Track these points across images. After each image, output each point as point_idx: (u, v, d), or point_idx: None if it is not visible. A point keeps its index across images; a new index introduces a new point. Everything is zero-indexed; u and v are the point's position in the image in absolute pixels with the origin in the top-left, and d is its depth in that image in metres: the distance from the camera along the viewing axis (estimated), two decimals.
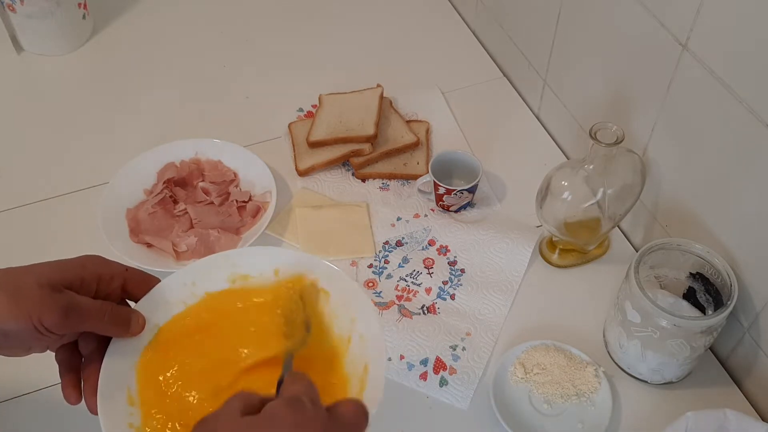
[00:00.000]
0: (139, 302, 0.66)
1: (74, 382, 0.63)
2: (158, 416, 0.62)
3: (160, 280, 0.67)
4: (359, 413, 0.53)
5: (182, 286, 0.67)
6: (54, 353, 0.64)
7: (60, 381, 0.63)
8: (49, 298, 0.57)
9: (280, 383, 0.55)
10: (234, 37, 1.34)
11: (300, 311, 0.65)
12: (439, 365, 0.89)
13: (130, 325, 0.63)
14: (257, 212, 1.03)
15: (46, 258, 0.95)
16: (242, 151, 1.08)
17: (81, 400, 0.63)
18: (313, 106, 1.21)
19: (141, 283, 0.66)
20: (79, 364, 0.64)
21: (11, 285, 0.57)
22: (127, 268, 0.65)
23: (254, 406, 0.50)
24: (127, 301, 0.66)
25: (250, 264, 0.68)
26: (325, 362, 0.64)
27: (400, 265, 0.99)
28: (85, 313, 0.59)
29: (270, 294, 0.67)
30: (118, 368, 0.63)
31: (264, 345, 0.63)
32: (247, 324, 0.65)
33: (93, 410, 0.61)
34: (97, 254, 0.64)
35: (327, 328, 0.66)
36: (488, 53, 1.31)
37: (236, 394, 0.51)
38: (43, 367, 0.87)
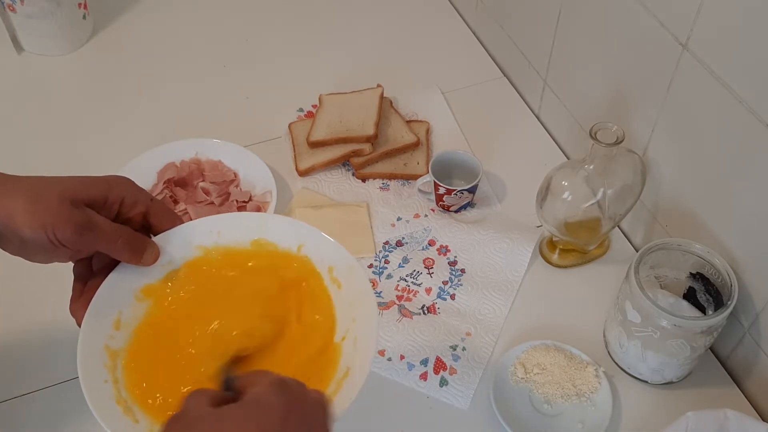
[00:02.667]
0: (159, 235, 0.65)
1: (80, 295, 0.63)
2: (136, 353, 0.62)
3: (183, 220, 0.66)
4: (322, 398, 0.54)
5: (207, 233, 0.66)
6: (72, 266, 0.64)
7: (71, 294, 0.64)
8: (67, 213, 0.57)
9: (226, 380, 0.54)
10: (234, 37, 1.34)
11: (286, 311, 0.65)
12: (440, 365, 0.89)
13: (144, 254, 0.63)
14: (257, 212, 1.03)
15: None
16: (242, 151, 1.08)
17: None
18: (314, 106, 1.21)
19: (164, 217, 0.65)
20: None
21: (34, 194, 0.57)
22: (152, 199, 0.64)
23: (220, 399, 0.50)
24: (150, 234, 0.65)
25: (279, 233, 0.67)
26: (315, 347, 0.64)
27: (400, 265, 0.99)
28: (100, 233, 0.59)
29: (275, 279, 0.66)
30: (119, 290, 0.62)
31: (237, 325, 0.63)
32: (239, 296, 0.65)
33: (79, 322, 0.61)
34: (125, 176, 0.64)
35: (328, 315, 0.65)
36: (488, 53, 1.31)
37: (194, 391, 0.51)
38: (42, 368, 0.88)
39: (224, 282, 0.66)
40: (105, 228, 0.60)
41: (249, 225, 0.68)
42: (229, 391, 0.53)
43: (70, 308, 0.63)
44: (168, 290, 0.65)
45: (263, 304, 0.65)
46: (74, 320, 0.63)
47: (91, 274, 0.64)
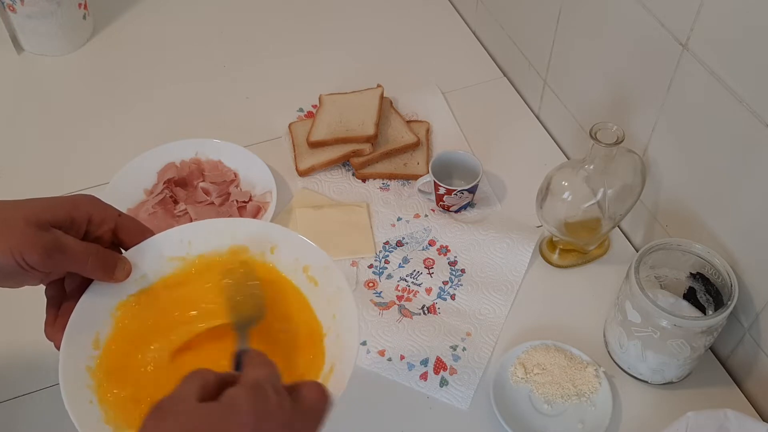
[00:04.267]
0: (129, 250, 0.64)
1: (55, 319, 0.62)
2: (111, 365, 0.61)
3: (154, 233, 0.65)
4: (321, 397, 0.51)
5: (178, 244, 0.66)
6: (44, 288, 0.62)
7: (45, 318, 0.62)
8: (34, 236, 0.56)
9: (237, 357, 0.53)
10: (234, 37, 1.34)
11: (251, 290, 0.63)
12: (440, 365, 0.89)
13: (115, 271, 0.62)
14: (257, 212, 1.03)
15: None
16: (242, 151, 1.09)
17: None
18: (314, 106, 1.21)
19: (133, 232, 0.64)
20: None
21: None
22: (120, 214, 0.63)
23: (211, 387, 0.49)
24: (121, 249, 0.64)
25: (249, 236, 0.66)
26: (297, 346, 0.63)
27: (400, 266, 0.99)
28: (69, 253, 0.58)
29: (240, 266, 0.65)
30: (94, 310, 0.61)
31: (211, 312, 0.62)
32: (206, 288, 0.64)
33: (58, 345, 0.60)
34: (91, 195, 0.62)
35: (307, 314, 0.65)
36: (488, 53, 1.31)
37: (192, 372, 0.50)
38: (42, 368, 0.88)
39: (197, 292, 0.65)
40: (74, 248, 0.58)
41: (218, 231, 0.66)
42: (238, 369, 0.52)
43: (46, 332, 0.62)
44: (140, 305, 0.64)
45: (235, 288, 0.63)
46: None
47: (64, 295, 0.62)
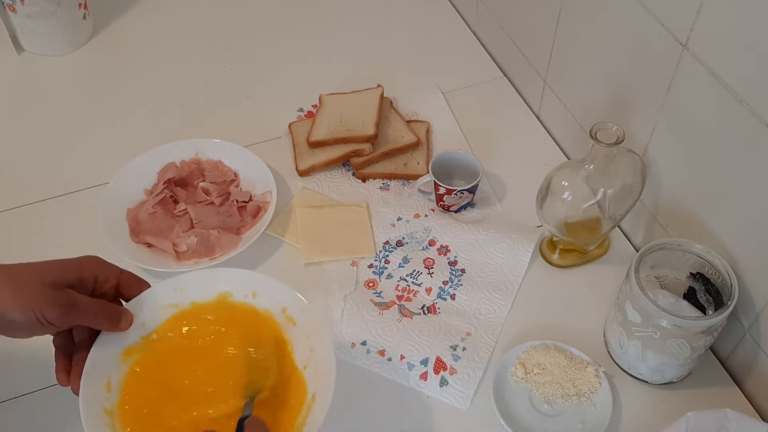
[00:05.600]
0: (130, 302, 0.74)
1: (66, 367, 0.71)
2: (128, 407, 0.71)
3: (150, 285, 0.75)
4: None
5: (171, 293, 0.75)
6: (52, 338, 0.71)
7: (55, 365, 0.71)
8: (51, 295, 0.65)
9: (240, 421, 0.65)
10: (234, 36, 1.35)
11: (269, 359, 0.74)
12: (440, 365, 0.89)
13: (120, 321, 0.71)
14: (258, 212, 1.03)
15: (46, 258, 0.96)
16: (243, 151, 1.09)
17: (69, 382, 0.71)
18: (314, 106, 1.21)
19: (133, 285, 0.74)
20: (72, 350, 0.71)
21: (18, 280, 0.64)
22: (121, 271, 0.73)
23: None
24: (121, 300, 0.74)
25: (232, 284, 0.77)
26: (287, 379, 0.74)
27: (400, 265, 0.99)
28: (83, 310, 0.67)
29: (244, 325, 0.76)
30: (103, 358, 0.71)
31: (226, 395, 0.72)
32: (219, 359, 0.75)
33: (76, 392, 0.69)
34: (95, 255, 0.71)
35: (288, 352, 0.76)
36: (488, 53, 1.31)
37: None
38: (41, 368, 0.87)
39: (192, 342, 0.75)
40: (85, 304, 0.68)
41: (205, 280, 0.77)
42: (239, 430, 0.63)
43: (58, 378, 0.71)
44: (145, 349, 0.74)
45: (233, 370, 0.74)
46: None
47: (72, 344, 0.71)
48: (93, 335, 0.72)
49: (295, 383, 0.73)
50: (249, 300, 0.77)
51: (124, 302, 0.74)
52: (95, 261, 0.71)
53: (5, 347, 0.91)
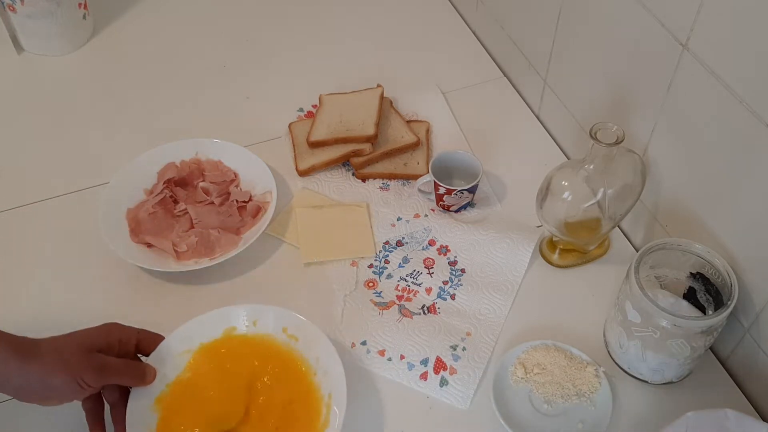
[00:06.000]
0: (150, 357, 0.82)
1: (101, 427, 0.79)
2: None
3: (164, 337, 0.83)
4: None
5: (181, 341, 0.84)
6: (80, 403, 0.79)
7: (87, 424, 0.79)
8: (87, 360, 0.74)
9: None
10: (234, 36, 1.35)
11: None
12: (440, 365, 0.89)
13: (146, 376, 0.80)
14: (257, 212, 1.03)
15: (45, 256, 0.96)
16: (242, 151, 1.09)
17: None
18: (314, 106, 1.21)
19: (150, 341, 0.82)
20: (103, 411, 0.80)
21: (61, 352, 0.73)
22: (138, 331, 0.81)
23: None
24: (139, 356, 0.83)
25: (237, 320, 0.87)
26: (302, 389, 0.84)
27: (400, 265, 0.99)
28: (114, 370, 0.76)
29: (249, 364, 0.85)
30: (139, 410, 0.79)
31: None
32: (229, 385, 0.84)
33: None
34: (115, 321, 0.80)
35: (298, 366, 0.85)
36: (488, 53, 1.31)
37: None
38: None
39: (209, 376, 0.84)
40: (115, 365, 0.76)
41: (210, 322, 0.86)
42: None
43: None
44: (170, 394, 0.83)
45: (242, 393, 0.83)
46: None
47: (99, 406, 0.80)
48: (123, 394, 0.80)
49: (310, 391, 0.83)
50: (251, 330, 0.87)
51: (144, 358, 0.82)
52: (116, 326, 0.80)
53: None
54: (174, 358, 0.84)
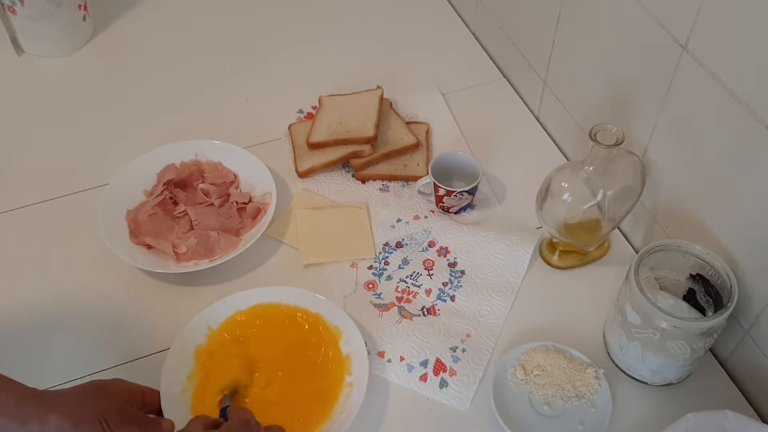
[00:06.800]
0: (203, 312, 0.90)
1: None
2: None
3: (158, 391, 0.82)
4: None
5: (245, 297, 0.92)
6: None
7: None
8: (108, 402, 0.72)
9: (223, 410, 0.79)
10: (234, 38, 1.35)
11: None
12: (439, 367, 0.89)
13: (163, 429, 0.77)
14: (257, 214, 1.03)
15: (45, 257, 0.96)
16: (242, 152, 1.09)
17: None
18: (313, 108, 1.21)
19: (153, 396, 0.81)
20: None
21: (77, 395, 0.72)
22: (142, 387, 0.79)
23: (210, 424, 0.71)
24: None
25: (274, 296, 0.93)
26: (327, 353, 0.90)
27: (400, 267, 0.99)
28: (133, 415, 0.74)
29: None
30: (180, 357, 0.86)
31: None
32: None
33: None
34: (118, 378, 0.78)
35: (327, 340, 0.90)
36: (488, 55, 1.31)
37: (197, 416, 0.72)
38: (43, 369, 0.87)
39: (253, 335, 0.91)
40: (134, 411, 0.74)
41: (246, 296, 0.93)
42: (224, 417, 0.75)
43: None
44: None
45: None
46: None
47: None
48: None
49: (335, 356, 0.89)
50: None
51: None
52: (122, 381, 0.78)
53: (6, 347, 0.92)
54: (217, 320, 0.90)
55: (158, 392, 0.82)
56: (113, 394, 0.74)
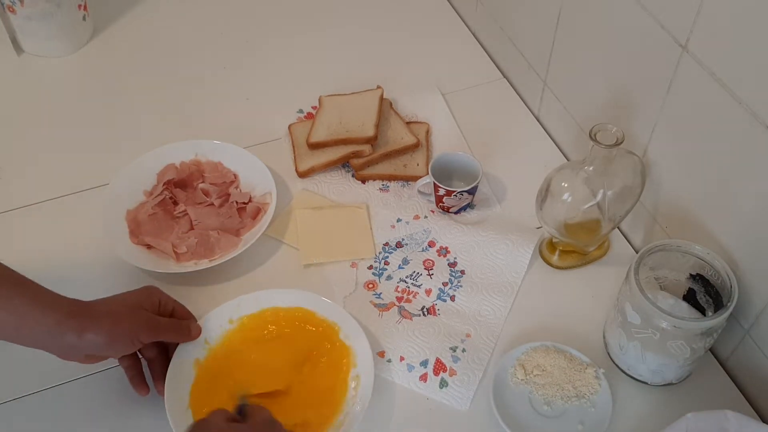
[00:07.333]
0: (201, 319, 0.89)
1: (142, 380, 0.84)
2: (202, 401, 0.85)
3: (192, 315, 0.88)
4: None
5: (228, 307, 0.91)
6: (117, 361, 0.84)
7: (128, 379, 0.84)
8: (140, 319, 0.79)
9: (240, 408, 0.76)
10: (234, 38, 1.35)
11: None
12: (439, 367, 0.89)
13: (191, 332, 0.86)
14: (257, 213, 1.03)
15: (45, 257, 0.96)
16: (242, 152, 1.09)
17: (149, 391, 0.84)
18: (314, 108, 1.21)
19: (183, 311, 0.87)
20: (141, 366, 0.84)
21: (111, 312, 0.78)
22: (174, 300, 0.86)
23: (233, 418, 0.72)
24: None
25: (282, 299, 0.92)
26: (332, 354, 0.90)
27: (400, 267, 0.99)
28: (165, 327, 0.82)
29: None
30: (182, 366, 0.85)
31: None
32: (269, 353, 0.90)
33: (161, 393, 0.83)
34: (154, 285, 0.85)
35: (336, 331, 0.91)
36: (488, 54, 1.31)
37: (216, 410, 0.72)
38: (44, 369, 0.88)
39: (252, 344, 0.90)
40: (165, 322, 0.82)
41: (257, 300, 0.92)
42: (240, 414, 0.74)
43: (135, 389, 0.84)
44: (210, 356, 0.88)
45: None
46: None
47: (138, 361, 0.84)
48: (160, 350, 0.85)
49: (342, 354, 0.88)
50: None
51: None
52: (156, 289, 0.85)
53: (6, 348, 0.92)
54: (220, 326, 0.89)
55: (187, 311, 0.87)
56: (148, 307, 0.81)
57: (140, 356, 0.84)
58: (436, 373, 0.88)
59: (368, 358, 0.86)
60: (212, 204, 1.04)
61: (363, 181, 1.10)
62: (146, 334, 0.79)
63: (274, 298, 0.92)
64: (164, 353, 0.85)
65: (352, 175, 1.11)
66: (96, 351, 0.76)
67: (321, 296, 0.91)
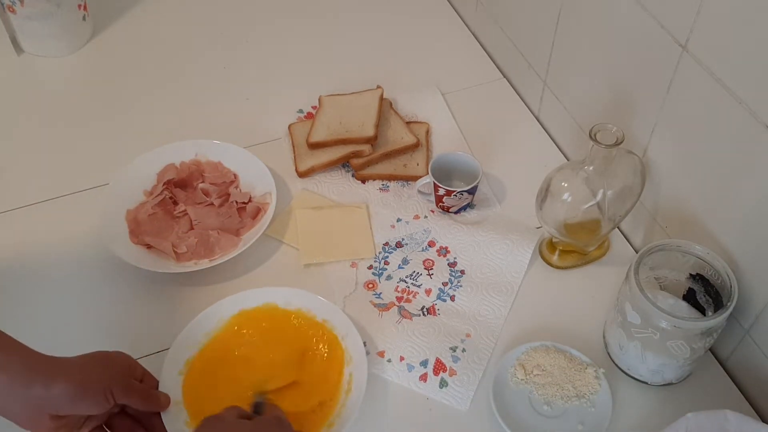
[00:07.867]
0: (199, 316, 0.90)
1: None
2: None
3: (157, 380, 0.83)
4: None
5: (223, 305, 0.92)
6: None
7: None
8: (114, 376, 0.74)
9: (256, 404, 0.77)
10: (234, 38, 1.35)
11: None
12: (439, 367, 0.89)
13: (162, 403, 0.80)
14: (257, 213, 1.03)
15: (45, 257, 0.96)
16: (242, 152, 1.09)
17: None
18: (313, 108, 1.21)
19: (151, 380, 0.82)
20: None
21: (84, 366, 0.73)
22: (145, 368, 0.81)
23: (244, 415, 0.72)
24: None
25: (279, 297, 0.93)
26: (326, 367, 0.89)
27: (399, 267, 0.99)
28: (137, 390, 0.77)
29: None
30: (175, 363, 0.86)
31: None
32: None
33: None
34: (125, 352, 0.79)
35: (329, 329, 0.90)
36: (488, 54, 1.31)
37: (230, 407, 0.73)
38: None
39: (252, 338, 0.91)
40: (136, 384, 0.77)
41: (254, 296, 0.92)
42: (256, 412, 0.75)
43: None
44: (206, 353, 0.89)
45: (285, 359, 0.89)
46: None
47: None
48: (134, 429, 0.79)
49: (336, 354, 0.89)
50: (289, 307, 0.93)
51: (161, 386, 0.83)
52: (127, 355, 0.79)
53: None
54: (212, 324, 0.90)
55: (156, 381, 0.83)
56: (119, 366, 0.76)
57: None
58: (436, 373, 0.88)
59: (361, 355, 0.86)
60: (212, 204, 1.04)
61: (363, 181, 1.10)
62: (119, 389, 0.73)
63: (265, 295, 0.93)
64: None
65: (352, 175, 1.11)
66: (65, 406, 0.69)
67: (315, 294, 0.92)
